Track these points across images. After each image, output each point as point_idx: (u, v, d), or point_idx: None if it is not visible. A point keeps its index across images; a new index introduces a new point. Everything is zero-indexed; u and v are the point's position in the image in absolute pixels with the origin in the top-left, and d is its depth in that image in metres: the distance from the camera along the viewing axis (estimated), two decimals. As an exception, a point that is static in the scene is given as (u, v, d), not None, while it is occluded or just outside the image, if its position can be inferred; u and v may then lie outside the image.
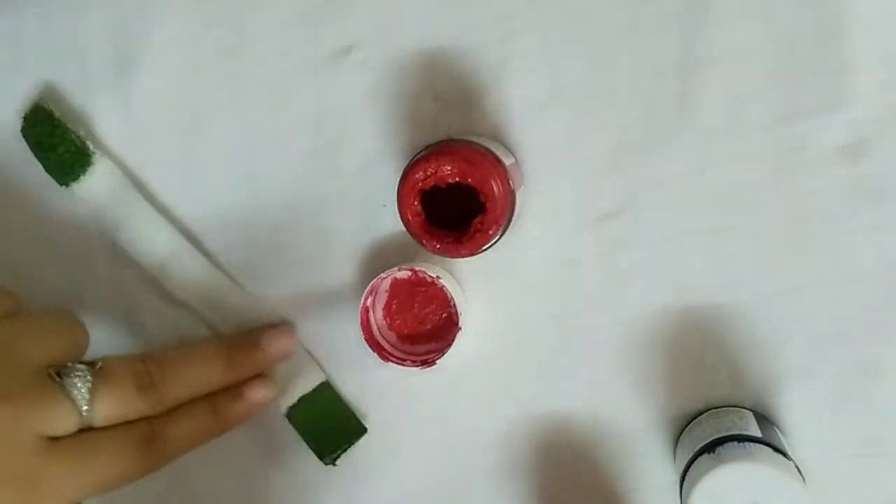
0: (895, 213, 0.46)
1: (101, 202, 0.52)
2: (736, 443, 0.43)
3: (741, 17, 0.46)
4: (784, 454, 0.43)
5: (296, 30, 0.51)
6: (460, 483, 0.51)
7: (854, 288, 0.46)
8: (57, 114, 0.52)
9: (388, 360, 0.48)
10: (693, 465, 0.44)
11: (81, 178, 0.52)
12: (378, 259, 0.51)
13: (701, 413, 0.48)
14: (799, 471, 0.42)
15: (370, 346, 0.48)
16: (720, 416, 0.47)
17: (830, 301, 0.47)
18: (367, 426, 0.52)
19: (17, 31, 0.53)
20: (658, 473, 0.49)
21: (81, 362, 0.44)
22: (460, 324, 0.47)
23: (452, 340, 0.47)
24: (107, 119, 0.53)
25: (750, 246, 0.47)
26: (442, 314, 0.49)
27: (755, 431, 0.45)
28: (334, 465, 0.52)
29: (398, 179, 0.45)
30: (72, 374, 0.43)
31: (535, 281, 0.50)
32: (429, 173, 0.44)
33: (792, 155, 0.46)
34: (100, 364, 0.45)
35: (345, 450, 0.52)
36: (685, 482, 0.44)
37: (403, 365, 0.48)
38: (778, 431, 0.47)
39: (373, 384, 0.52)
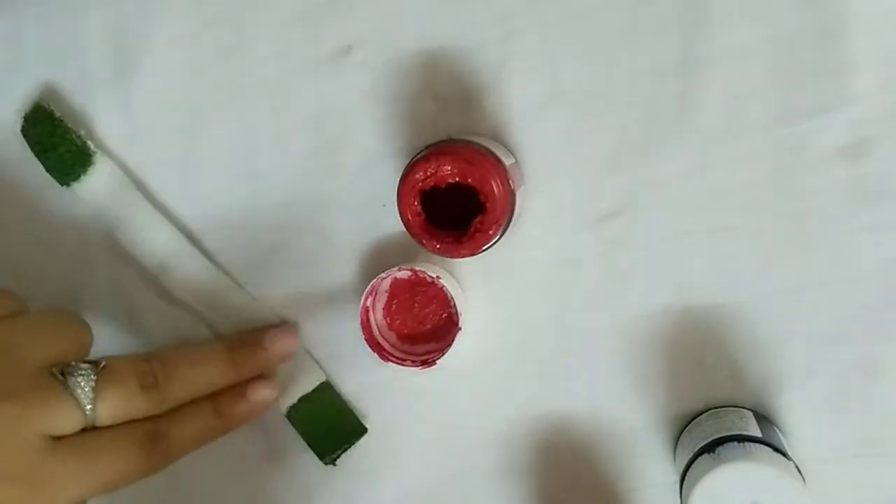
0: (895, 213, 0.46)
1: (102, 202, 0.52)
2: (736, 443, 0.43)
3: (741, 17, 0.46)
4: (784, 454, 0.43)
5: (296, 30, 0.51)
6: (460, 483, 0.51)
7: (854, 288, 0.46)
8: (57, 114, 0.52)
9: (388, 360, 0.48)
10: (693, 465, 0.44)
11: (82, 177, 0.52)
12: (378, 259, 0.51)
13: (701, 413, 0.48)
14: (799, 471, 0.42)
15: (370, 346, 0.48)
16: (720, 416, 0.47)
17: (830, 301, 0.47)
18: (367, 426, 0.52)
19: (17, 31, 0.53)
20: (658, 473, 0.49)
21: (85, 361, 0.44)
22: (460, 324, 0.47)
23: (452, 340, 0.47)
24: (107, 119, 0.53)
25: (750, 246, 0.47)
26: (442, 314, 0.49)
27: (755, 431, 0.45)
28: (334, 465, 0.52)
29: (398, 179, 0.45)
30: (76, 374, 0.43)
31: (535, 281, 0.50)
32: (429, 173, 0.44)
33: (792, 155, 0.46)
34: (104, 363, 0.44)
35: (345, 450, 0.52)
36: (685, 482, 0.44)
37: (403, 365, 0.48)
38: (778, 431, 0.47)
39: (373, 384, 0.52)
